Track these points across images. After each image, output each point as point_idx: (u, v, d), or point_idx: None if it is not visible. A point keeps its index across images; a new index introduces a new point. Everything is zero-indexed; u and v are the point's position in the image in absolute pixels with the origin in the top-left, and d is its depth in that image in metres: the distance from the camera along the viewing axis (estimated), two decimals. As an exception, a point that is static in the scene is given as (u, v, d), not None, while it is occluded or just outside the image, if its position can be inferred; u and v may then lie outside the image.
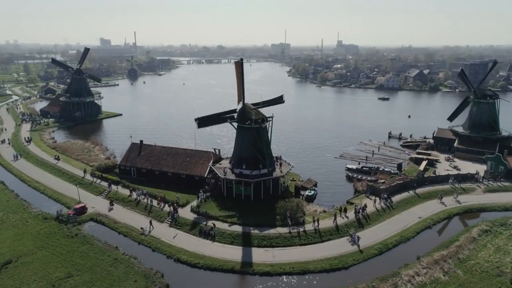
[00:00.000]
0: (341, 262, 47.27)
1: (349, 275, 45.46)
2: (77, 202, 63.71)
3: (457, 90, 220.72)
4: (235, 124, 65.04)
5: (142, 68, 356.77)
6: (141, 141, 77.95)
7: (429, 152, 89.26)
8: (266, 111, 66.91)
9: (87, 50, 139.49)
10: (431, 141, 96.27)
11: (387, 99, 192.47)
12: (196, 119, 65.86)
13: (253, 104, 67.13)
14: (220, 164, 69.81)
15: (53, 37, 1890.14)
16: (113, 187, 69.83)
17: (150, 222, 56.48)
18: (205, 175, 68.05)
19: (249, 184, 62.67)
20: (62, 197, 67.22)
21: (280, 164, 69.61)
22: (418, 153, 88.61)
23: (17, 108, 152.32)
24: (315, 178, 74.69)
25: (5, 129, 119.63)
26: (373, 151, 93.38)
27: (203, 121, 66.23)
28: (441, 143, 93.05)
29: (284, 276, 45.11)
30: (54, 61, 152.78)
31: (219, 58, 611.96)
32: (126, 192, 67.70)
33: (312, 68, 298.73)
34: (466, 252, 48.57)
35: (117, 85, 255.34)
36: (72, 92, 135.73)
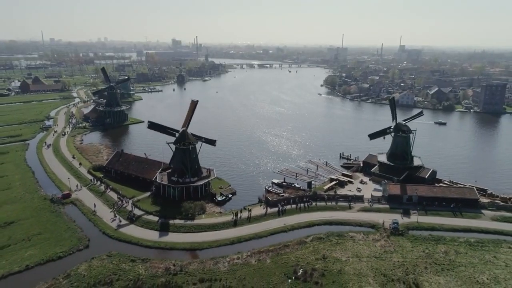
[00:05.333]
0: (201, 245, 71.49)
1: (203, 255, 69.64)
2: (69, 189, 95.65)
3: (472, 110, 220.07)
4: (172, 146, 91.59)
5: (191, 74, 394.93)
6: (122, 150, 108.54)
7: (351, 174, 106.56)
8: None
9: (104, 70, 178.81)
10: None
11: (444, 123, 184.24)
12: (149, 122, 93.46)
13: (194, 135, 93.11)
14: (165, 172, 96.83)
15: (135, 35, 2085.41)
16: (95, 181, 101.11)
17: (116, 209, 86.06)
18: (153, 179, 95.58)
19: (174, 189, 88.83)
20: (62, 185, 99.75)
21: (208, 175, 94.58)
22: (343, 175, 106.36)
23: (70, 112, 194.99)
24: (242, 188, 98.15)
25: (56, 125, 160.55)
26: (307, 169, 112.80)
27: (154, 126, 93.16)
28: (368, 167, 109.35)
29: (160, 250, 70.89)
30: (103, 70, 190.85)
31: (271, 62, 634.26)
32: (101, 186, 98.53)
33: (341, 80, 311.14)
34: (286, 250, 69.20)
35: (161, 91, 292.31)
36: (106, 103, 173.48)
